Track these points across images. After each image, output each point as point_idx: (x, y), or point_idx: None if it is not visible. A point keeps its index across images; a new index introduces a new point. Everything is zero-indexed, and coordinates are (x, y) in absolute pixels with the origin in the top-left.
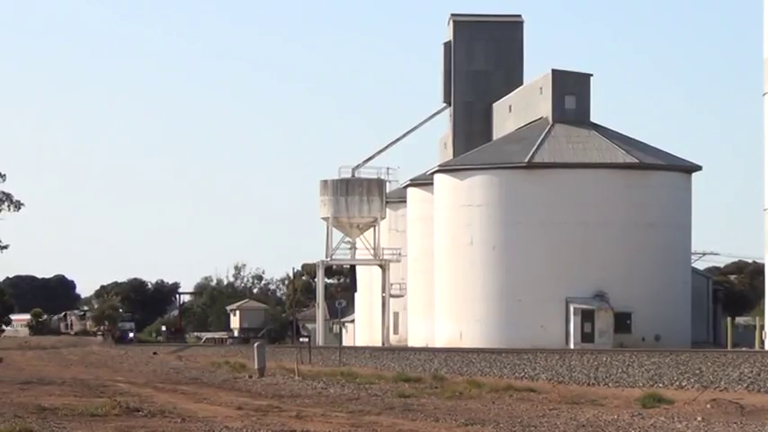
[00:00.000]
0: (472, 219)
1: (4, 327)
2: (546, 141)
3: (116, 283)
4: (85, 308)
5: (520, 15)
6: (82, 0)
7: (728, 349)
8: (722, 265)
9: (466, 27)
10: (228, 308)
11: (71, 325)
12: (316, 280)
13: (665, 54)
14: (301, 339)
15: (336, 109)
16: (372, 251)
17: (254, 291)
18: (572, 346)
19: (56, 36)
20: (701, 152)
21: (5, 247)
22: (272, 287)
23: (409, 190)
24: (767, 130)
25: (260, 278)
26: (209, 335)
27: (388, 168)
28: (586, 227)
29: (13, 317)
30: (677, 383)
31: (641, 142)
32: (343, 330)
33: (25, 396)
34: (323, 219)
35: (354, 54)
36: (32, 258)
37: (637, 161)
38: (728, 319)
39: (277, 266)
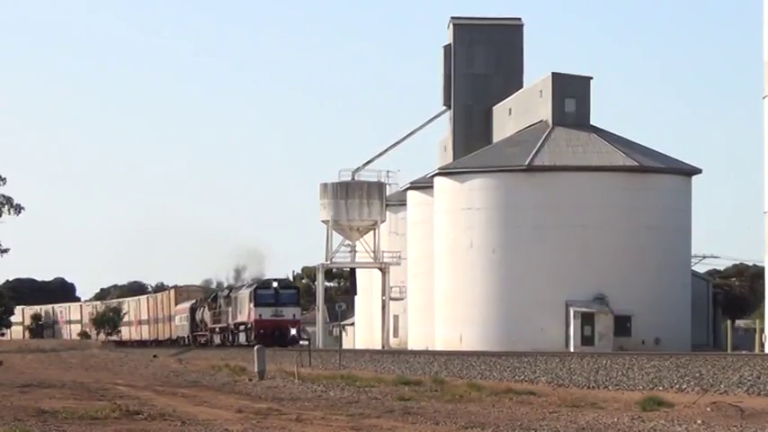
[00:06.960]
0: (472, 222)
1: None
2: (546, 144)
3: (116, 286)
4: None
5: (520, 18)
6: (84, 3)
7: (728, 352)
8: (722, 268)
9: (466, 30)
10: None
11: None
12: (316, 283)
13: (665, 57)
14: (301, 342)
15: (336, 112)
16: (372, 254)
17: None
18: (572, 350)
19: (56, 39)
20: (701, 155)
21: (6, 250)
22: None
23: (409, 193)
24: (767, 133)
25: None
26: None
27: (387, 171)
28: (586, 230)
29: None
30: (677, 387)
31: (641, 145)
32: (343, 333)
33: (25, 399)
34: (323, 222)
35: (354, 57)
36: (32, 261)
37: (637, 164)
38: (728, 322)
39: (277, 269)
